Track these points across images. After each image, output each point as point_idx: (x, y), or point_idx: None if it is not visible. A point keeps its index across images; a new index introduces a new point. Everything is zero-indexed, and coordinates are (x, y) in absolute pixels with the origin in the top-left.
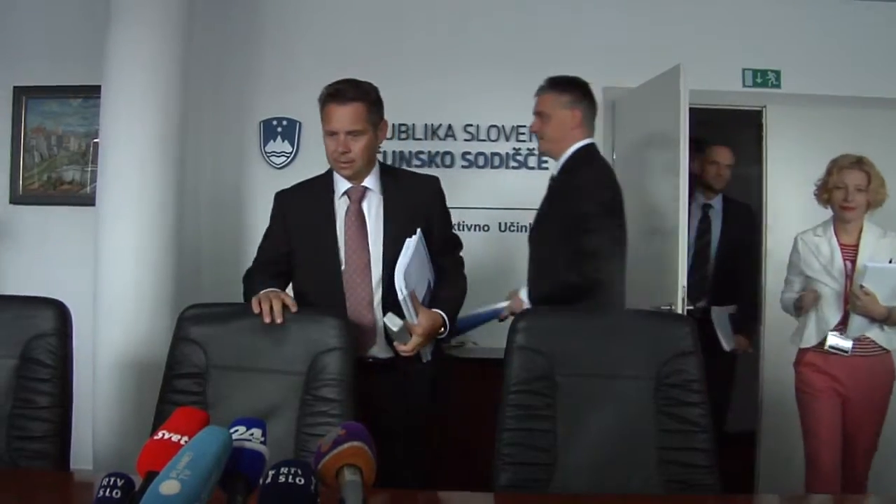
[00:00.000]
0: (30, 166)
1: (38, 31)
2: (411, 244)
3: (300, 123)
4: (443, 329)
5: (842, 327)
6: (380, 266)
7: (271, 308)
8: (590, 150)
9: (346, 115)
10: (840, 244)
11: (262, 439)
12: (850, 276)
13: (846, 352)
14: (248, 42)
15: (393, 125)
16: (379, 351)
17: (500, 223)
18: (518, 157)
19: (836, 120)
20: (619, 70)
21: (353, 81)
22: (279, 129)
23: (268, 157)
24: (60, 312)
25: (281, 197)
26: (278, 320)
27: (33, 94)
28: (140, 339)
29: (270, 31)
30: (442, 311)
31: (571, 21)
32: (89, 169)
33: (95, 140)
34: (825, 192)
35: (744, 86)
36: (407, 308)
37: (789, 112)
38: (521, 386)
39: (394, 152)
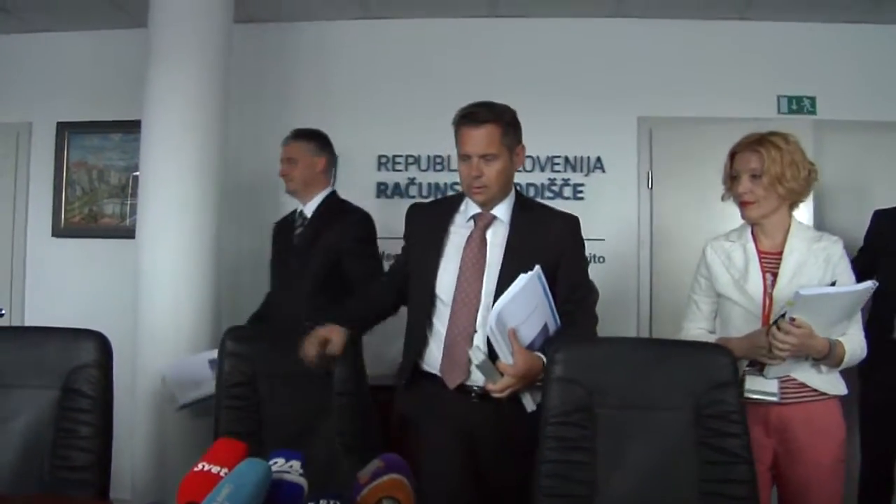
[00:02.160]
0: (71, 200)
1: (81, 69)
2: (523, 279)
3: (336, 157)
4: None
5: (759, 364)
6: (490, 300)
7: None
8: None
9: (480, 138)
10: (759, 251)
11: (301, 471)
12: (769, 292)
13: (773, 397)
14: (284, 76)
15: (428, 157)
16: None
17: None
18: (553, 188)
19: (872, 146)
20: (655, 99)
21: (488, 104)
22: None
23: None
24: (101, 344)
25: (410, 210)
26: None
27: (75, 129)
28: None
29: (306, 66)
30: (546, 355)
31: (606, 50)
32: (129, 202)
33: (135, 174)
34: (727, 186)
35: (779, 112)
36: (498, 345)
37: (825, 138)
38: (559, 418)
39: (429, 184)
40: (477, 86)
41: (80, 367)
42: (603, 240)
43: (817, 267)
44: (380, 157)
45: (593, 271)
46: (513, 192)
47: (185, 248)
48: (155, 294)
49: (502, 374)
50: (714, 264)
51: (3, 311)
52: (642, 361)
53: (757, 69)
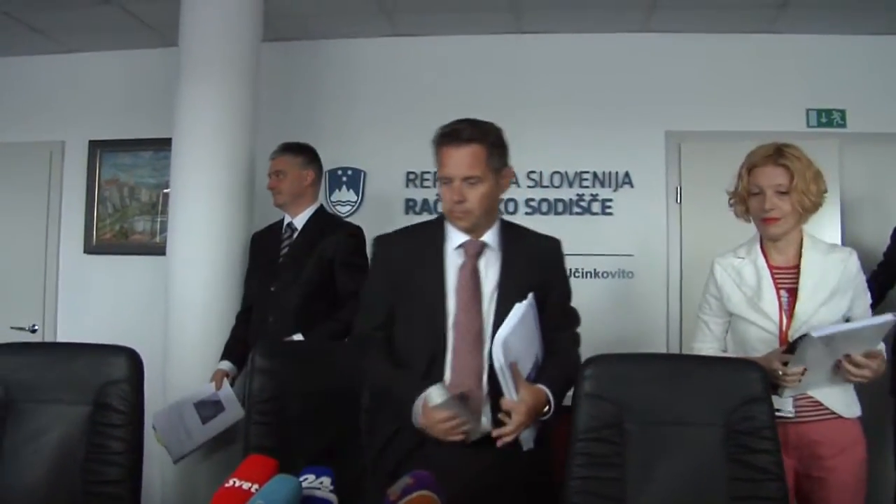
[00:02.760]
0: (103, 217)
1: (112, 88)
2: (520, 310)
3: (364, 173)
4: (547, 408)
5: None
6: (489, 335)
7: None
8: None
9: (462, 158)
10: (771, 267)
11: (332, 487)
12: (787, 311)
13: (789, 415)
14: (312, 94)
15: None
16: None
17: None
18: (581, 203)
19: None
20: (682, 113)
21: (472, 121)
22: (344, 179)
23: (333, 206)
24: (132, 360)
25: (382, 244)
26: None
27: (107, 147)
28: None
29: (333, 83)
30: (547, 387)
31: (633, 66)
32: (159, 219)
33: (166, 191)
34: (739, 201)
35: (808, 126)
36: (504, 381)
37: (856, 151)
38: (589, 434)
39: None
40: (503, 102)
41: (111, 382)
42: (632, 255)
43: (836, 278)
44: (408, 173)
45: (623, 286)
46: (498, 218)
47: (214, 264)
48: (185, 310)
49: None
50: (724, 283)
51: (37, 327)
52: (672, 377)
53: (785, 82)
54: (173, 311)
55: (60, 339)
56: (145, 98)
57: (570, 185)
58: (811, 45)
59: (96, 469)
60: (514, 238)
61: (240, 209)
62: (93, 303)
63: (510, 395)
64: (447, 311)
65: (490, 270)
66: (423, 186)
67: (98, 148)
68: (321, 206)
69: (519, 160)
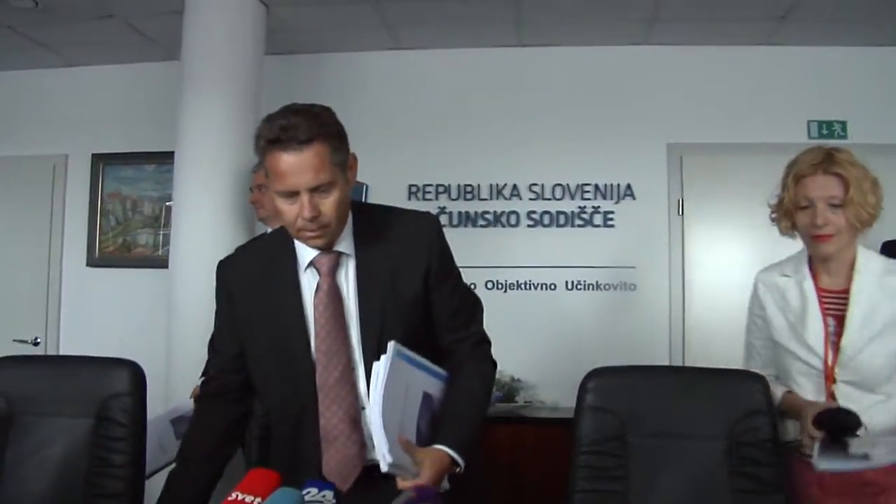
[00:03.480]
0: (106, 230)
1: (116, 101)
2: (382, 367)
3: (367, 186)
4: (457, 467)
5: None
6: (361, 363)
7: None
8: None
9: (306, 164)
10: (819, 291)
11: (334, 501)
12: (832, 340)
13: (862, 465)
14: None
15: (458, 186)
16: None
17: (566, 282)
18: (584, 216)
19: None
20: (684, 126)
21: (299, 110)
22: None
23: None
24: (135, 373)
25: (221, 268)
26: None
27: (110, 160)
28: None
29: (336, 97)
30: (448, 444)
31: (634, 78)
32: (162, 232)
33: (168, 203)
34: (785, 215)
35: (809, 137)
36: (398, 463)
37: None
38: (592, 447)
39: (459, 213)
40: (505, 115)
41: (113, 395)
42: (634, 267)
43: (891, 308)
44: (410, 186)
45: (625, 298)
46: (349, 214)
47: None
48: (187, 323)
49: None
50: (767, 304)
51: (39, 340)
52: (675, 389)
53: (786, 94)
54: (175, 324)
55: (63, 351)
56: (148, 111)
57: (572, 197)
58: (812, 57)
59: (99, 482)
60: (370, 230)
61: (242, 222)
62: (95, 315)
63: (409, 470)
64: (311, 350)
65: (352, 284)
66: (425, 199)
67: (101, 161)
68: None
69: (521, 172)
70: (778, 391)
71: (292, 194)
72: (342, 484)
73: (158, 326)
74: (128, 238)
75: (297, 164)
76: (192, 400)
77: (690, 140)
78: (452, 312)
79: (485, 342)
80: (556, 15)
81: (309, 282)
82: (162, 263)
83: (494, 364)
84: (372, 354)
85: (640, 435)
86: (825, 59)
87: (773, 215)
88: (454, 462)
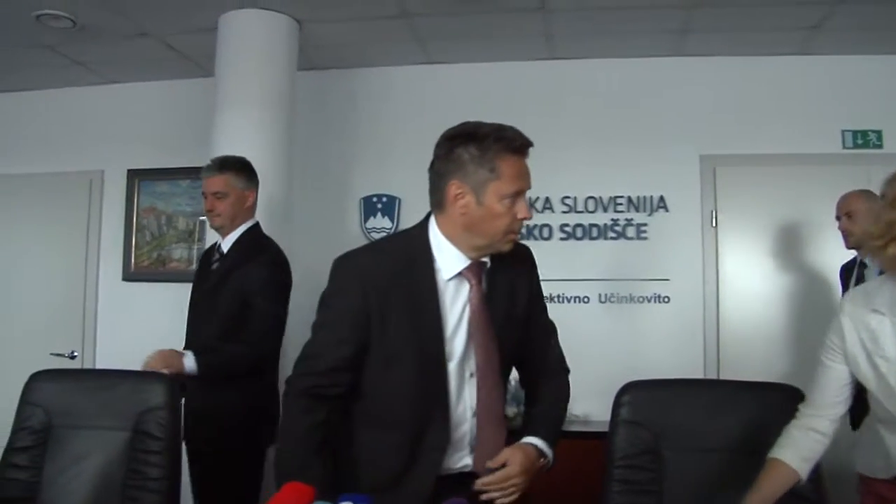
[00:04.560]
0: (141, 245)
1: (151, 118)
2: None
3: (399, 199)
4: (543, 457)
5: None
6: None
7: None
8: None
9: (526, 167)
10: None
11: None
12: None
13: None
14: (347, 122)
15: None
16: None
17: (599, 294)
18: (616, 228)
19: None
20: (717, 137)
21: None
22: (379, 206)
23: (369, 233)
24: (170, 387)
25: (355, 268)
26: None
27: (145, 176)
28: None
29: (368, 111)
30: (537, 436)
31: (666, 90)
32: (196, 247)
33: (201, 218)
34: (878, 233)
35: (844, 147)
36: None
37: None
38: (626, 460)
39: None
40: (538, 128)
41: (150, 409)
42: (668, 279)
43: None
44: None
45: (659, 311)
46: None
47: None
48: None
49: None
50: (853, 344)
51: (76, 353)
52: (710, 403)
53: (820, 104)
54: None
55: (99, 365)
56: (183, 127)
57: (605, 209)
58: (845, 66)
59: (134, 495)
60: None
61: (276, 237)
62: (130, 329)
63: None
64: (446, 356)
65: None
66: None
67: (136, 177)
68: (250, 226)
69: (553, 185)
70: (778, 447)
71: (518, 194)
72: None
73: None
74: (162, 252)
75: (526, 169)
76: None
77: (723, 151)
78: (546, 333)
79: (564, 359)
80: (586, 27)
81: (449, 291)
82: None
83: (568, 370)
84: (485, 363)
85: (674, 449)
86: (859, 68)
87: (877, 243)
88: (541, 453)
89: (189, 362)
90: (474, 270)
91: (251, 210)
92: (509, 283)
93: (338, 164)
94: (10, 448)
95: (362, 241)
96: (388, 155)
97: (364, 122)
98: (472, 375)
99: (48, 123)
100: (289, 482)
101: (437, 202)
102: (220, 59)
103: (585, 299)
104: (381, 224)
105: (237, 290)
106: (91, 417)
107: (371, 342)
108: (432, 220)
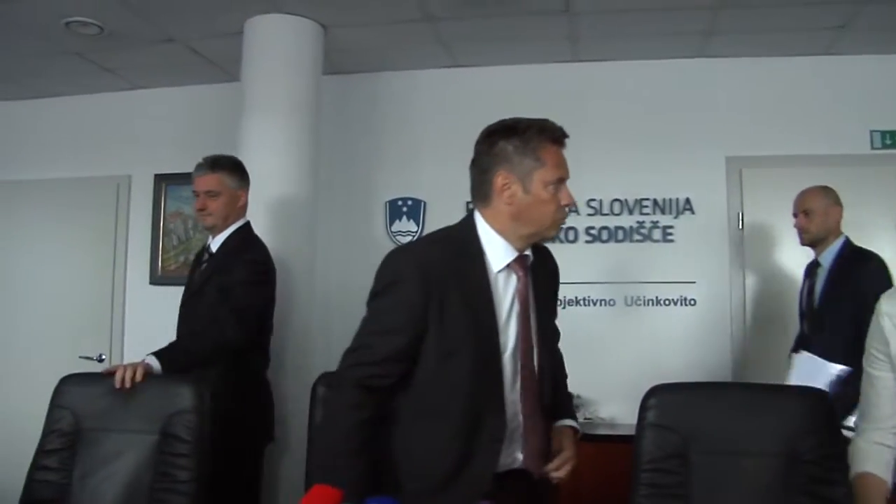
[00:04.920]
0: (168, 249)
1: (177, 123)
2: None
3: (424, 203)
4: (577, 434)
5: None
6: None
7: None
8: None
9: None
10: None
11: None
12: None
13: None
14: (372, 126)
15: None
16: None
17: (625, 297)
18: (642, 231)
19: None
20: (743, 139)
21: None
22: (404, 209)
23: (394, 236)
24: (198, 391)
25: (423, 263)
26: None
27: (172, 180)
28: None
29: (393, 115)
30: (570, 417)
31: (691, 92)
32: None
33: None
34: None
35: (872, 148)
36: None
37: None
38: (653, 464)
39: None
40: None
41: (177, 412)
42: (694, 282)
43: None
44: (467, 203)
45: (685, 314)
46: None
47: (277, 295)
48: None
49: None
50: (892, 336)
51: (104, 357)
52: (738, 406)
53: (847, 105)
54: None
55: None
56: (209, 132)
57: (631, 212)
58: (872, 66)
59: (162, 497)
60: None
61: (302, 240)
62: (158, 333)
63: None
64: (501, 348)
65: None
66: None
67: (163, 181)
68: (240, 226)
69: (578, 188)
70: (857, 463)
71: (561, 181)
72: (538, 468)
73: None
74: (189, 256)
75: (565, 158)
76: None
77: (750, 153)
78: (556, 334)
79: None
80: (611, 30)
81: (502, 282)
82: None
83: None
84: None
85: (702, 452)
86: (887, 68)
87: None
88: (576, 431)
89: (154, 364)
90: (521, 263)
91: (243, 210)
92: (544, 279)
93: (363, 167)
94: (40, 450)
95: (387, 245)
96: (412, 158)
97: (389, 125)
98: (522, 367)
99: (76, 129)
100: (322, 483)
101: (483, 196)
102: (245, 63)
103: (611, 302)
104: (406, 227)
105: (219, 290)
106: (119, 420)
107: (428, 333)
108: (477, 216)
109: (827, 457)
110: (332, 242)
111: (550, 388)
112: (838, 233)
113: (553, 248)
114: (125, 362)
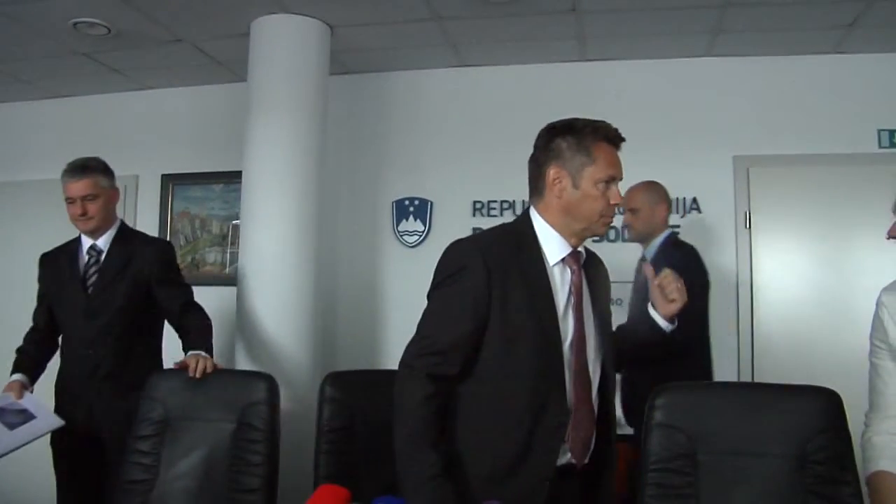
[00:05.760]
0: (175, 249)
1: (184, 123)
2: None
3: (431, 203)
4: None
5: None
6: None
7: None
8: None
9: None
10: None
11: None
12: None
13: None
14: (378, 126)
15: (523, 201)
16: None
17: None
18: None
19: None
20: (750, 138)
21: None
22: (411, 209)
23: (400, 235)
24: (270, 385)
25: (486, 251)
26: None
27: (179, 180)
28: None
29: (400, 115)
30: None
31: (698, 91)
32: (229, 251)
33: (235, 222)
34: None
35: (880, 147)
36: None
37: None
38: (660, 464)
39: None
40: None
41: (252, 404)
42: None
43: None
44: (475, 202)
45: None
46: None
47: (284, 295)
48: (255, 339)
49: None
50: (890, 327)
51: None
52: (746, 406)
53: (854, 103)
54: (243, 342)
55: None
56: (216, 132)
57: None
58: (880, 65)
59: (238, 479)
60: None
61: (309, 240)
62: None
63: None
64: (561, 335)
65: (585, 282)
66: (489, 215)
67: (170, 181)
68: (121, 223)
69: None
70: (871, 461)
71: (612, 181)
72: (581, 459)
73: (226, 342)
74: (196, 256)
75: (618, 159)
76: (8, 393)
77: (757, 152)
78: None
79: None
80: (618, 29)
81: (558, 274)
82: (229, 281)
83: None
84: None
85: (709, 453)
86: (893, 66)
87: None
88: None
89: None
90: (575, 258)
91: (115, 209)
92: (598, 279)
93: (369, 167)
94: (134, 436)
95: (394, 244)
96: (419, 158)
97: (396, 125)
98: (576, 359)
99: (84, 129)
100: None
101: (538, 189)
102: (252, 64)
103: (618, 301)
104: (412, 227)
105: (140, 282)
106: (202, 411)
107: (491, 320)
108: (533, 211)
109: (834, 457)
110: (339, 242)
111: (605, 381)
112: (664, 228)
113: None
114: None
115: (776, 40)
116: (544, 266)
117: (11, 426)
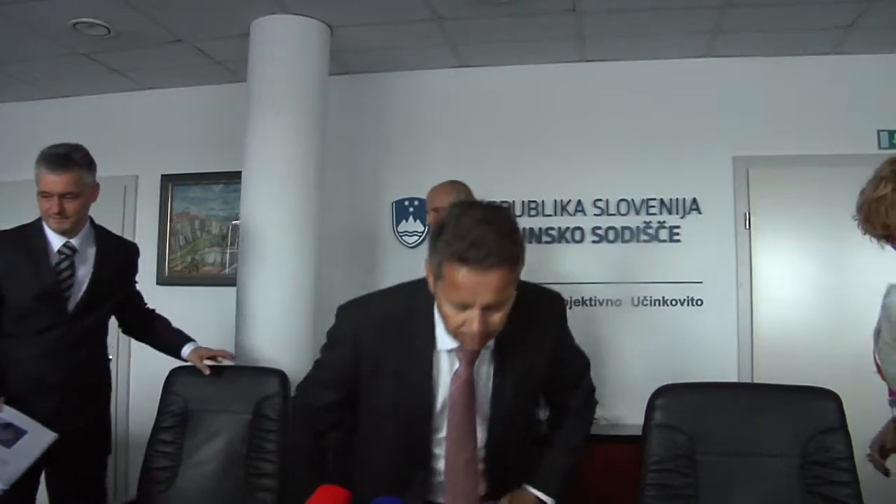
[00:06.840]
0: (175, 249)
1: (184, 123)
2: None
3: None
4: None
5: None
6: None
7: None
8: None
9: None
10: None
11: None
12: None
13: None
14: (378, 126)
15: (523, 202)
16: None
17: (632, 297)
18: (649, 231)
19: None
20: (750, 138)
21: (494, 220)
22: (411, 209)
23: (400, 236)
24: (282, 379)
25: (358, 329)
26: None
27: (179, 181)
28: None
29: (400, 115)
30: (541, 488)
31: (698, 91)
32: (229, 251)
33: (234, 222)
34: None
35: (879, 148)
36: None
37: None
38: (660, 465)
39: (524, 229)
40: (569, 131)
41: (266, 397)
42: (701, 282)
43: None
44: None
45: (692, 314)
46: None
47: (284, 295)
48: (254, 341)
49: None
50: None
51: (111, 357)
52: (745, 407)
53: (854, 104)
54: (242, 342)
55: (133, 367)
56: (215, 133)
57: (637, 212)
58: (880, 65)
59: (255, 465)
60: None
61: (309, 240)
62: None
63: None
64: (433, 429)
65: (483, 367)
66: None
67: (170, 182)
68: (91, 220)
69: (585, 188)
70: None
71: (462, 307)
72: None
73: (226, 343)
74: (196, 257)
75: (474, 282)
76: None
77: (757, 153)
78: (571, 372)
79: (593, 391)
80: (618, 29)
81: (444, 364)
82: (229, 282)
83: (592, 408)
84: (495, 440)
85: (709, 453)
86: (893, 67)
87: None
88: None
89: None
90: (466, 354)
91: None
92: (523, 350)
93: (369, 167)
94: (157, 427)
95: (394, 245)
96: (419, 158)
97: (395, 125)
98: (457, 451)
99: (83, 129)
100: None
101: None
102: (252, 64)
103: (618, 302)
104: (412, 227)
105: (121, 281)
106: (221, 403)
107: (360, 392)
108: None
109: (834, 457)
110: (339, 243)
111: (504, 469)
112: None
113: (559, 248)
114: (127, 361)
115: (776, 41)
116: (430, 352)
117: (7, 443)
